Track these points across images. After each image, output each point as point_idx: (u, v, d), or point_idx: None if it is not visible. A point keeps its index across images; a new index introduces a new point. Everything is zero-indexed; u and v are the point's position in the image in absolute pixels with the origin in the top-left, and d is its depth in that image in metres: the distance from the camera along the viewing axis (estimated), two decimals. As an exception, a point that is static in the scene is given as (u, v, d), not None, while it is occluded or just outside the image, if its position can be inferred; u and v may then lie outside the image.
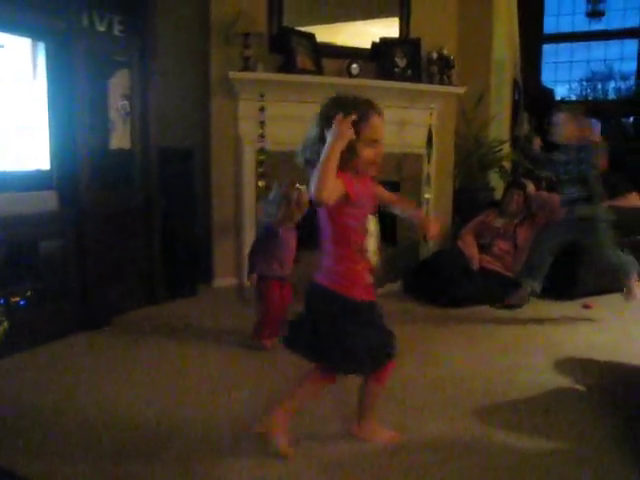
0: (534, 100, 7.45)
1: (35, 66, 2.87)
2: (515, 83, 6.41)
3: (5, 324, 1.60)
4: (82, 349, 2.86)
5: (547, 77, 12.99)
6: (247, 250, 4.01)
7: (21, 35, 2.78)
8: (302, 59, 3.98)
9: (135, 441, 1.99)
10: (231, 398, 2.35)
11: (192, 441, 2.00)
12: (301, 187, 2.73)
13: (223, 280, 4.10)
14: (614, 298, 3.91)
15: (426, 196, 4.51)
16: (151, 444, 1.97)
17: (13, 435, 2.00)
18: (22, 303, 2.65)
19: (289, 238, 2.88)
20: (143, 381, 2.51)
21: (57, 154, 3.01)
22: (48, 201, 2.95)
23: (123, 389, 2.42)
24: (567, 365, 2.77)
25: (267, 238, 2.89)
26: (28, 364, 2.64)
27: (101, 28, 3.20)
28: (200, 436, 2.03)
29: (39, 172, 2.97)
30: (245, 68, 3.78)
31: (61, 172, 3.04)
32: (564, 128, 3.58)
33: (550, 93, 12.21)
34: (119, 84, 3.42)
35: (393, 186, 4.47)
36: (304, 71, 3.96)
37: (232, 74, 3.75)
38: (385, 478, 1.82)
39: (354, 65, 4.15)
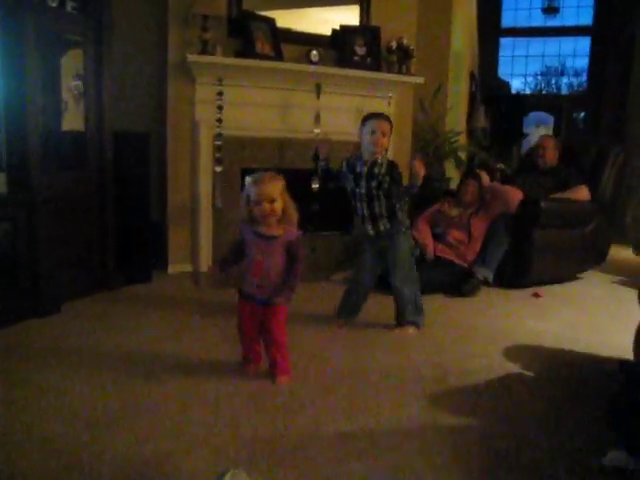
0: (490, 92, 7.58)
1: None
2: (472, 75, 6.49)
3: None
4: (30, 336, 2.79)
5: (504, 70, 13.23)
6: (202, 237, 4.01)
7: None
8: (261, 44, 3.95)
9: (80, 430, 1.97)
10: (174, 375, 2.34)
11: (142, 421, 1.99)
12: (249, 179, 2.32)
13: (178, 266, 4.06)
14: (563, 287, 4.05)
15: (383, 185, 4.54)
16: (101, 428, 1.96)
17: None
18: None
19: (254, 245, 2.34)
20: (88, 369, 2.47)
21: (6, 134, 2.91)
22: (-4, 183, 2.86)
23: (66, 378, 2.38)
24: (516, 352, 2.85)
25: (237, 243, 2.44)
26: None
27: (53, 4, 3.08)
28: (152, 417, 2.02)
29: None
30: (203, 51, 3.72)
31: (10, 153, 2.94)
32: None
33: (506, 86, 12.43)
34: (72, 63, 3.32)
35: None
36: (263, 56, 3.93)
37: (190, 57, 3.69)
38: (338, 462, 1.85)
39: (314, 52, 4.14)
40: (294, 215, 2.34)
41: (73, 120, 3.38)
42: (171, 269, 4.05)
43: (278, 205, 2.26)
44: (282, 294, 2.33)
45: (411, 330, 3.08)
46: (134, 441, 1.91)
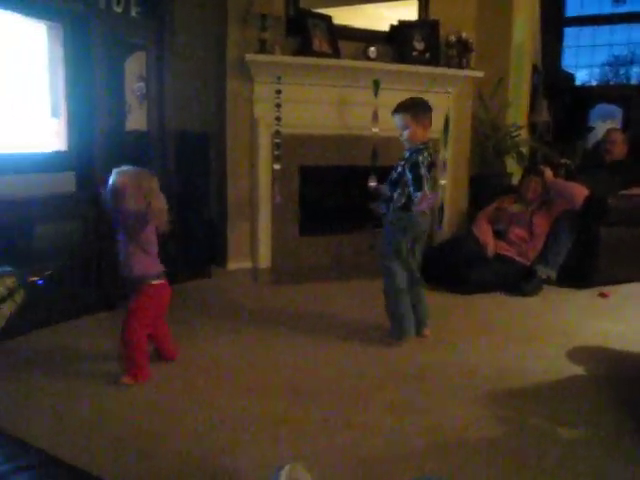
0: (554, 85, 7.35)
1: (53, 49, 2.88)
2: (534, 67, 6.31)
3: (20, 294, 1.60)
4: (95, 329, 2.89)
5: (568, 61, 12.79)
6: (261, 234, 4.06)
7: (39, 18, 2.78)
8: (319, 42, 3.96)
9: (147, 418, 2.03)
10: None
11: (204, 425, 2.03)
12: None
13: (237, 263, 4.12)
14: (632, 287, 3.88)
15: (442, 182, 4.49)
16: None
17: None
18: (40, 282, 2.68)
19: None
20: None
21: (75, 136, 3.03)
22: (66, 182, 2.97)
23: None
24: (580, 353, 2.76)
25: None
26: (41, 342, 2.68)
27: (118, 10, 3.20)
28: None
29: (58, 154, 2.99)
30: (262, 51, 3.76)
31: (79, 154, 3.06)
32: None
33: (571, 78, 12.02)
34: (135, 66, 3.43)
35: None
36: (321, 54, 3.94)
37: (249, 57, 3.74)
38: (397, 460, 1.84)
39: (371, 48, 4.12)
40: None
41: (136, 121, 3.49)
42: (230, 265, 4.11)
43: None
44: None
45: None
46: (196, 433, 1.96)
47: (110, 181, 2.26)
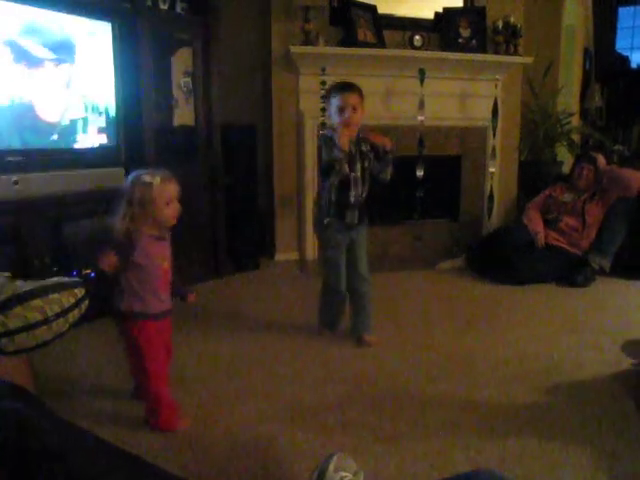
0: (607, 69, 7.11)
1: (102, 46, 2.94)
2: (586, 51, 6.11)
3: (85, 303, 1.65)
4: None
5: (622, 44, 12.33)
6: (308, 226, 4.07)
7: (88, 17, 2.85)
8: (363, 32, 3.93)
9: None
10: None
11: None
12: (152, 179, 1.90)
13: (285, 254, 4.15)
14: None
15: (491, 170, 4.42)
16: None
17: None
18: (92, 275, 2.76)
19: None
20: (193, 350, 2.59)
21: (124, 131, 3.10)
22: (116, 178, 3.04)
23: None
24: (635, 347, 2.67)
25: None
26: (91, 335, 2.77)
27: (164, 7, 3.25)
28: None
29: (106, 149, 3.06)
30: (306, 42, 3.77)
31: (128, 149, 3.13)
32: None
33: (625, 61, 11.60)
34: (182, 62, 3.49)
35: (455, 160, 4.40)
36: (365, 44, 3.92)
37: (293, 48, 3.75)
38: (443, 451, 1.83)
39: (416, 37, 4.08)
40: None
41: (184, 115, 3.55)
42: (278, 257, 4.15)
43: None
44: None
45: (374, 338, 2.71)
46: (248, 420, 2.00)
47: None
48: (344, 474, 1.49)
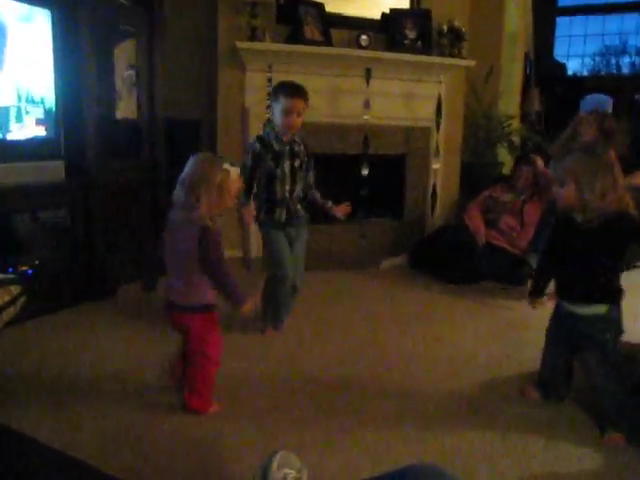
0: (545, 75, 7.35)
1: (40, 34, 2.84)
2: (527, 57, 6.30)
3: (21, 301, 1.59)
4: (85, 319, 2.88)
5: (560, 51, 12.77)
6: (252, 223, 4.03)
7: (26, 1, 2.74)
8: (310, 29, 3.93)
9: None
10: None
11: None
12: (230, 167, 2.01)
13: (228, 252, 4.10)
14: (634, 274, 3.86)
15: (434, 166, 4.48)
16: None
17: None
18: (29, 272, 2.66)
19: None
20: (140, 351, 2.54)
21: (64, 123, 3.01)
22: (55, 170, 2.95)
23: (119, 360, 2.45)
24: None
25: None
26: (32, 332, 2.67)
27: (107, -4, 3.16)
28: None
29: (46, 141, 2.96)
30: (253, 38, 3.74)
31: (68, 142, 3.03)
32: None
33: (562, 68, 12.02)
34: (125, 53, 3.40)
35: (399, 159, 4.46)
36: (312, 42, 3.91)
37: (240, 44, 3.71)
38: (389, 445, 1.85)
39: (363, 36, 4.10)
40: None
41: (127, 109, 3.46)
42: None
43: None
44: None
45: (276, 334, 2.80)
46: (189, 420, 1.97)
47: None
48: (287, 471, 1.49)
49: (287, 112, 2.54)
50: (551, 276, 2.23)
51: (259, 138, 2.68)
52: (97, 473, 1.20)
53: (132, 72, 3.43)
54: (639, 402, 1.99)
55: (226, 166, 1.98)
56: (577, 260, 1.99)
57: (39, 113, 2.89)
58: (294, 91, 2.57)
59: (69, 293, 3.01)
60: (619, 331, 2.01)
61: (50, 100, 2.92)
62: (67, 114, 3.01)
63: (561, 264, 2.07)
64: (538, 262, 2.52)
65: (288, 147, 2.64)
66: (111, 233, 3.25)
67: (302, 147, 2.70)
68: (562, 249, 2.06)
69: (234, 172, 2.00)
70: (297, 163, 2.67)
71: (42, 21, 2.83)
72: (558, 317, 2.15)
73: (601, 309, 1.97)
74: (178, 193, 2.01)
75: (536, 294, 2.26)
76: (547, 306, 2.23)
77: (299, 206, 2.72)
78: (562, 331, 2.12)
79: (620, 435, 1.93)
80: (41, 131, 2.91)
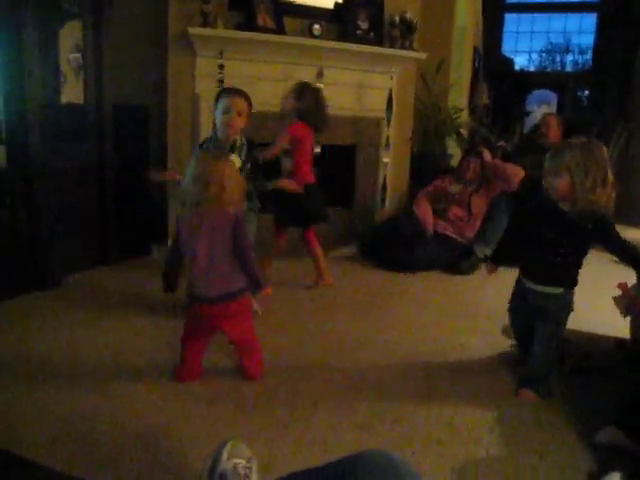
0: (494, 69, 7.50)
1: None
2: (476, 51, 6.42)
3: None
4: (30, 310, 2.80)
5: (508, 46, 13.05)
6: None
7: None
8: (263, 17, 3.89)
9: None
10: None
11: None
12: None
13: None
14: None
15: (385, 160, 4.53)
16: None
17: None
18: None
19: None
20: (83, 340, 2.49)
21: (5, 107, 2.90)
22: (-3, 155, 2.85)
23: (62, 349, 2.40)
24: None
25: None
26: None
27: (51, -27, 3.05)
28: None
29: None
30: (204, 24, 3.67)
31: (9, 126, 2.93)
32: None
33: (510, 63, 12.30)
34: (71, 36, 3.29)
35: (350, 149, 4.48)
36: (265, 29, 3.87)
37: (191, 30, 3.63)
38: (339, 432, 1.87)
39: (316, 26, 4.08)
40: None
41: (72, 93, 3.36)
42: (170, 242, 4.03)
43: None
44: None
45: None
46: (137, 411, 1.94)
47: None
48: (237, 461, 1.49)
49: (226, 110, 2.59)
50: (511, 251, 2.46)
51: (200, 144, 2.79)
52: (44, 471, 1.17)
53: (78, 55, 3.32)
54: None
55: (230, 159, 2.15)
56: (545, 247, 2.18)
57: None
58: (234, 91, 2.68)
59: (12, 285, 2.91)
60: (569, 310, 2.23)
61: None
62: (8, 98, 2.90)
63: (528, 246, 2.26)
64: (503, 234, 2.69)
65: (229, 147, 2.65)
66: (56, 222, 3.15)
67: (244, 152, 2.69)
68: (534, 232, 2.23)
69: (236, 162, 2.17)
70: (242, 156, 2.67)
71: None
72: (519, 292, 2.36)
73: (559, 290, 2.20)
74: (193, 190, 2.04)
75: (495, 261, 2.56)
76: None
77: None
78: (522, 303, 2.33)
79: (533, 395, 2.17)
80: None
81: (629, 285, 2.34)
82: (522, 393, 2.19)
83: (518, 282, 2.37)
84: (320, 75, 4.03)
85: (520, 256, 2.34)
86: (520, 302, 2.36)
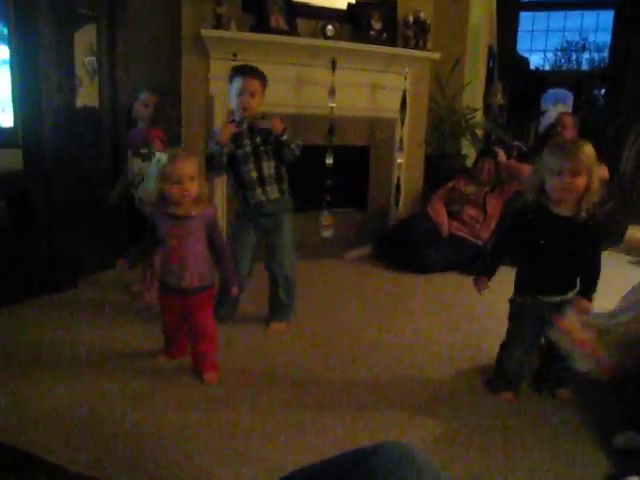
0: (508, 69, 7.44)
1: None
2: (490, 50, 6.38)
3: None
4: (47, 311, 2.83)
5: (523, 45, 12.95)
6: (219, 214, 3.98)
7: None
8: (276, 18, 3.90)
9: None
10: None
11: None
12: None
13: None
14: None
15: (398, 161, 4.51)
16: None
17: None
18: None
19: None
20: (100, 341, 2.50)
21: (22, 111, 2.92)
22: (13, 159, 2.87)
23: (79, 350, 2.41)
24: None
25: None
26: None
27: (67, -21, 3.08)
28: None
29: (4, 129, 2.87)
30: (218, 26, 3.68)
31: (26, 130, 2.95)
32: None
33: (525, 62, 12.20)
34: (86, 39, 3.31)
35: (364, 150, 4.46)
36: (278, 31, 3.88)
37: (204, 32, 3.65)
38: (351, 435, 1.86)
39: (329, 27, 4.08)
40: (207, 193, 2.20)
41: (88, 96, 3.38)
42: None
43: (197, 183, 2.09)
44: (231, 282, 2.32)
45: (284, 326, 2.78)
46: (149, 416, 1.95)
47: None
48: None
49: (240, 92, 2.51)
50: (502, 262, 2.30)
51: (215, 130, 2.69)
52: (58, 470, 1.17)
53: (93, 59, 3.35)
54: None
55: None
56: (560, 258, 2.07)
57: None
58: (248, 70, 2.56)
59: (29, 286, 2.94)
60: None
61: (7, 87, 2.83)
62: (25, 102, 2.93)
63: (540, 264, 2.11)
64: (493, 244, 2.56)
65: (246, 126, 2.58)
66: (72, 224, 3.17)
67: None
68: (544, 248, 2.07)
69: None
70: (259, 140, 2.61)
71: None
72: (531, 313, 2.17)
73: (576, 289, 2.12)
74: (159, 187, 2.08)
75: (485, 274, 2.31)
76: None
77: (275, 187, 2.66)
78: (535, 323, 2.16)
79: (569, 394, 2.21)
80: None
81: (589, 310, 2.10)
82: (561, 394, 2.21)
83: (526, 306, 2.18)
84: (334, 65, 3.99)
85: (526, 277, 2.21)
86: (533, 323, 2.17)
